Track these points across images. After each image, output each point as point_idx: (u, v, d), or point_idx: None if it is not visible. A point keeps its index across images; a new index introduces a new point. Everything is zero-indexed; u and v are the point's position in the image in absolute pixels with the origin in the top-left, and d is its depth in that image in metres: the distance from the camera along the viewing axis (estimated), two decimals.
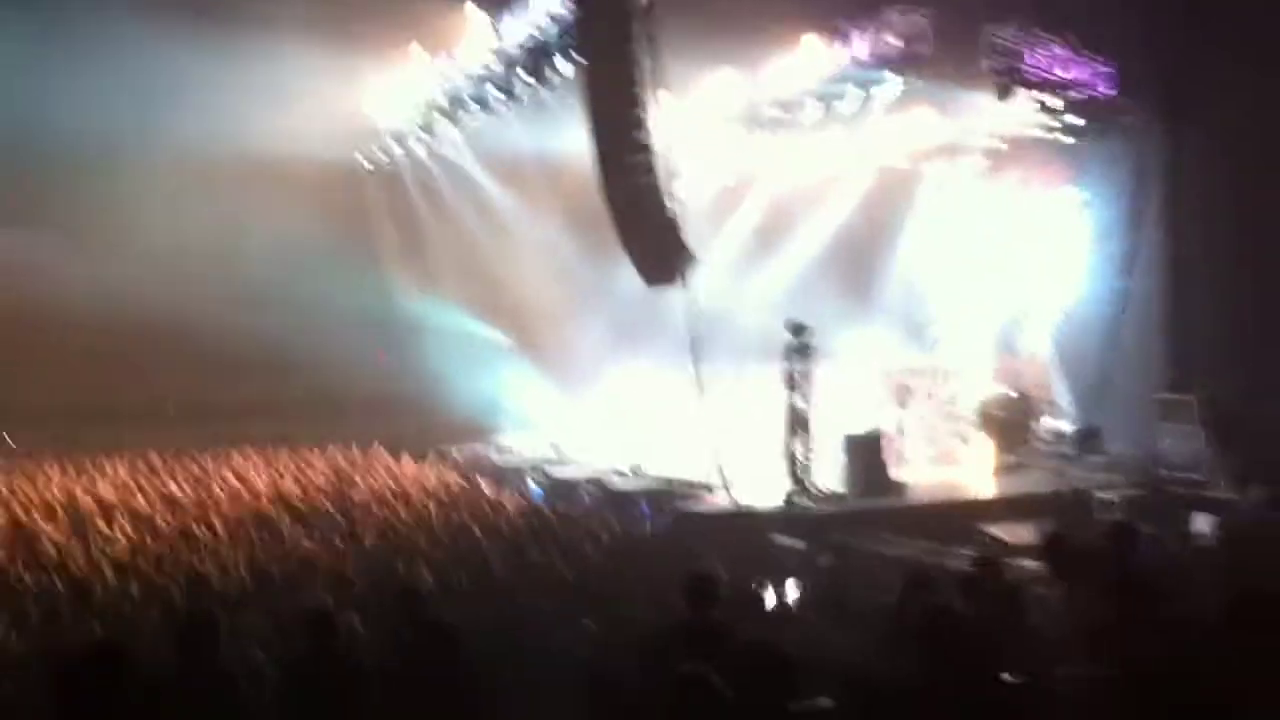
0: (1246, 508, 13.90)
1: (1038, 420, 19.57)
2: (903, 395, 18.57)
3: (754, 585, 10.56)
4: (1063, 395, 20.01)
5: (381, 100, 21.03)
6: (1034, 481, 16.41)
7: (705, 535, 13.37)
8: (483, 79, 18.87)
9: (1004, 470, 17.83)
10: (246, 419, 21.33)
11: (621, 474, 17.90)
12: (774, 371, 16.76)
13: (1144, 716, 5.57)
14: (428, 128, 21.34)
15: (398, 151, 22.82)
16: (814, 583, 11.57)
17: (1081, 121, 18.80)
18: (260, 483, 16.37)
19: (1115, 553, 9.87)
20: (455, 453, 20.76)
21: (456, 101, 19.95)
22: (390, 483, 16.30)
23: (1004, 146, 20.88)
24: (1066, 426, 19.15)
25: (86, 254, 19.91)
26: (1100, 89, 17.74)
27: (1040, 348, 20.95)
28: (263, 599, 9.75)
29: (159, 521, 13.71)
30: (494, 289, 23.14)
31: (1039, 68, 17.24)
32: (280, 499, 15.04)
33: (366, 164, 23.22)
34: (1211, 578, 10.03)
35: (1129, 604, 7.68)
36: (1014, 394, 19.62)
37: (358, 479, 16.62)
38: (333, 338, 20.85)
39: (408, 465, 18.49)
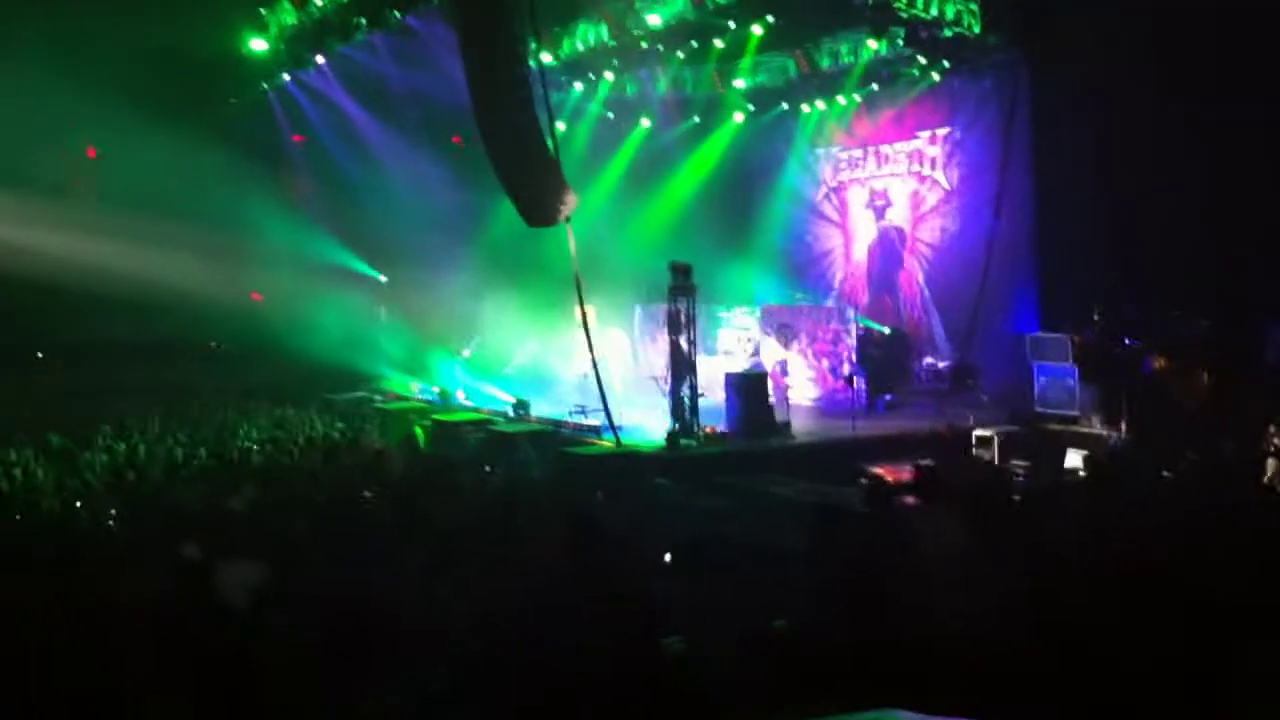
0: (1114, 443, 14.35)
1: (915, 358, 19.90)
2: (785, 334, 18.72)
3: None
4: (938, 333, 20.35)
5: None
6: (913, 419, 16.67)
7: (589, 477, 13.36)
8: (350, 7, 18.57)
9: (884, 408, 18.14)
10: (119, 361, 20.82)
11: (506, 417, 17.83)
12: (657, 312, 16.76)
13: (1008, 646, 5.72)
14: (297, 59, 20.89)
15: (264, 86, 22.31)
16: (694, 526, 11.65)
17: (950, 60, 19.16)
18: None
19: (987, 487, 10.14)
20: (340, 402, 20.42)
21: (325, 30, 19.59)
22: (276, 431, 15.96)
23: (875, 87, 21.07)
24: (943, 364, 19.50)
25: None
26: (969, 26, 17.96)
27: (915, 287, 21.25)
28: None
29: None
30: (364, 225, 22.76)
31: (911, 5, 17.40)
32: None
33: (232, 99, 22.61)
34: (1078, 509, 10.29)
35: (997, 536, 7.96)
36: (889, 332, 19.91)
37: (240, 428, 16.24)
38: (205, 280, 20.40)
39: (291, 414, 18.14)
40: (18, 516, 11.17)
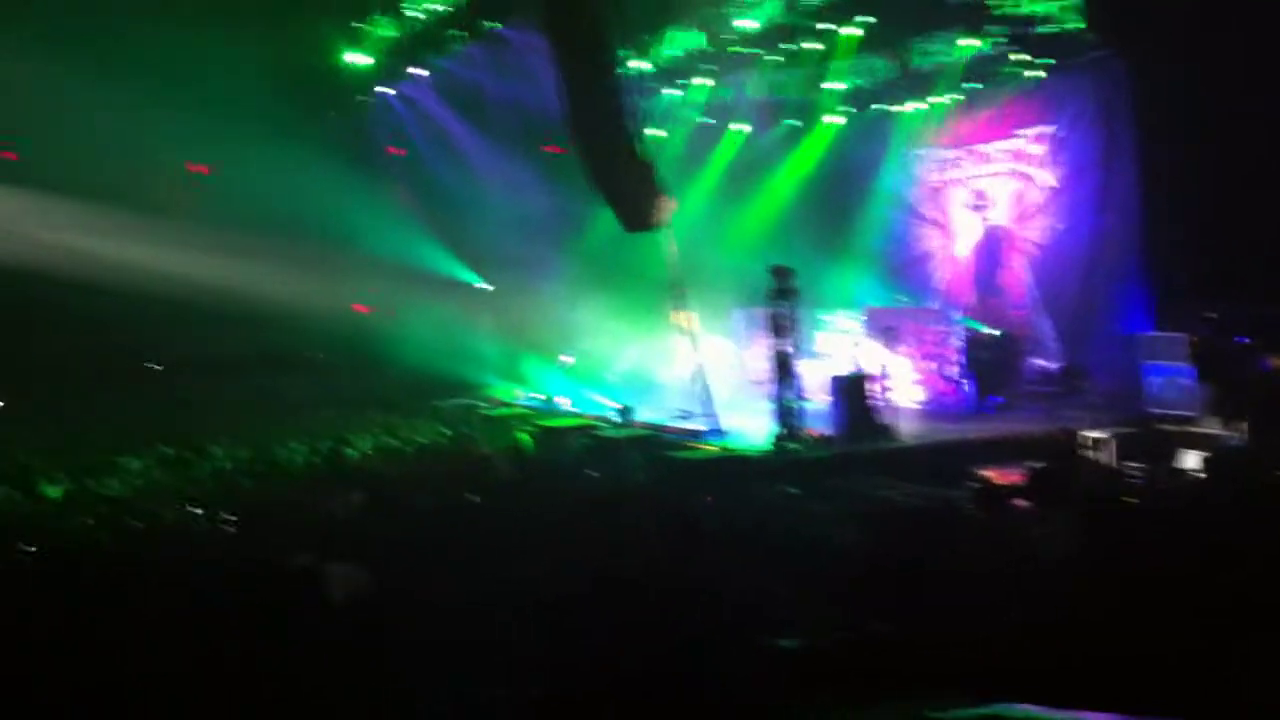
0: (1233, 443, 13.96)
1: (1023, 359, 19.57)
2: (888, 337, 18.54)
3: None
4: (1047, 334, 20.00)
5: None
6: (1023, 421, 16.39)
7: (695, 482, 13.33)
8: (445, 20, 18.84)
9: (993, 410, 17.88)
10: (227, 373, 21.30)
11: (610, 422, 17.88)
12: (758, 316, 16.69)
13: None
14: (394, 71, 21.23)
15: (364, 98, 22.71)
16: (806, 527, 11.56)
17: (1050, 58, 18.86)
18: None
19: (1103, 489, 9.92)
20: (446, 409, 20.62)
21: (421, 42, 19.90)
22: (386, 438, 16.22)
23: (973, 86, 20.81)
24: (1052, 365, 19.15)
25: None
26: (1067, 23, 17.67)
27: (1022, 287, 20.91)
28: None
29: None
30: (464, 234, 23.04)
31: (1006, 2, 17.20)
32: None
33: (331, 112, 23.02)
34: (1197, 512, 10.03)
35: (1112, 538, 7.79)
36: (998, 333, 19.60)
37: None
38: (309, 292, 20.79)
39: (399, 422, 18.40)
40: (140, 524, 11.42)
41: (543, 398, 20.74)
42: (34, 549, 9.78)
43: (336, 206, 21.75)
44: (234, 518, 11.07)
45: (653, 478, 14.10)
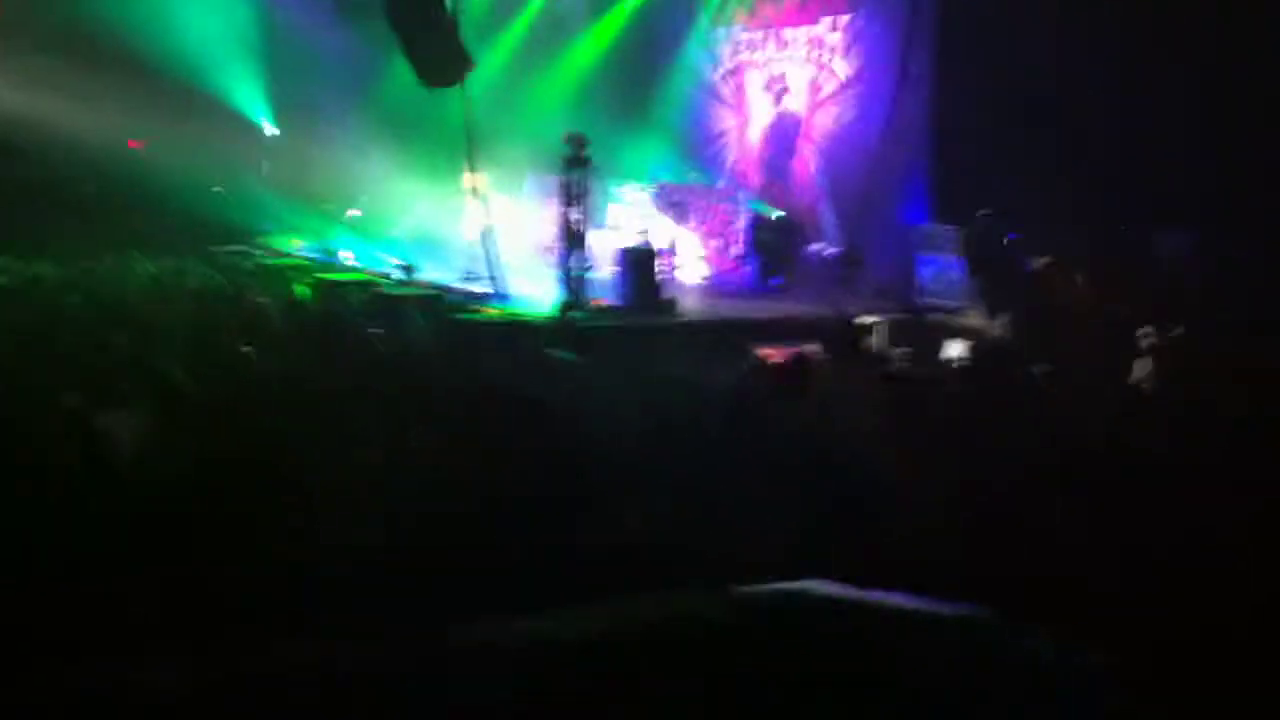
0: (993, 335, 14.68)
1: (804, 244, 20.01)
2: (677, 212, 18.69)
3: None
4: (829, 221, 20.45)
5: None
6: (801, 304, 16.83)
7: (478, 345, 13.29)
8: None
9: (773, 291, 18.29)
10: None
11: (393, 280, 17.58)
12: (551, 183, 16.58)
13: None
14: None
15: None
16: (585, 393, 11.66)
17: None
18: None
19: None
20: (220, 255, 19.83)
21: None
22: (153, 283, 15.52)
23: None
24: (831, 251, 19.65)
25: None
26: None
27: (808, 173, 21.28)
28: None
29: None
30: (256, 73, 22.05)
31: None
32: None
33: None
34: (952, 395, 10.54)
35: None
36: (781, 216, 19.96)
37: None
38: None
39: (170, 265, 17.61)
40: None
41: (324, 251, 20.18)
42: None
43: (126, 30, 20.41)
44: None
45: (435, 337, 13.99)
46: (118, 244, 19.04)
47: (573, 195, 15.84)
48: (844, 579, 3.20)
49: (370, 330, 13.08)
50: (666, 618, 3.53)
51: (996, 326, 14.93)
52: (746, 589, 3.30)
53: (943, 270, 15.97)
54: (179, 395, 8.76)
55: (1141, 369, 12.71)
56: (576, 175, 15.79)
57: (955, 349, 13.83)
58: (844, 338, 14.65)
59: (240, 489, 6.23)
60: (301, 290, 15.86)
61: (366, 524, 6.27)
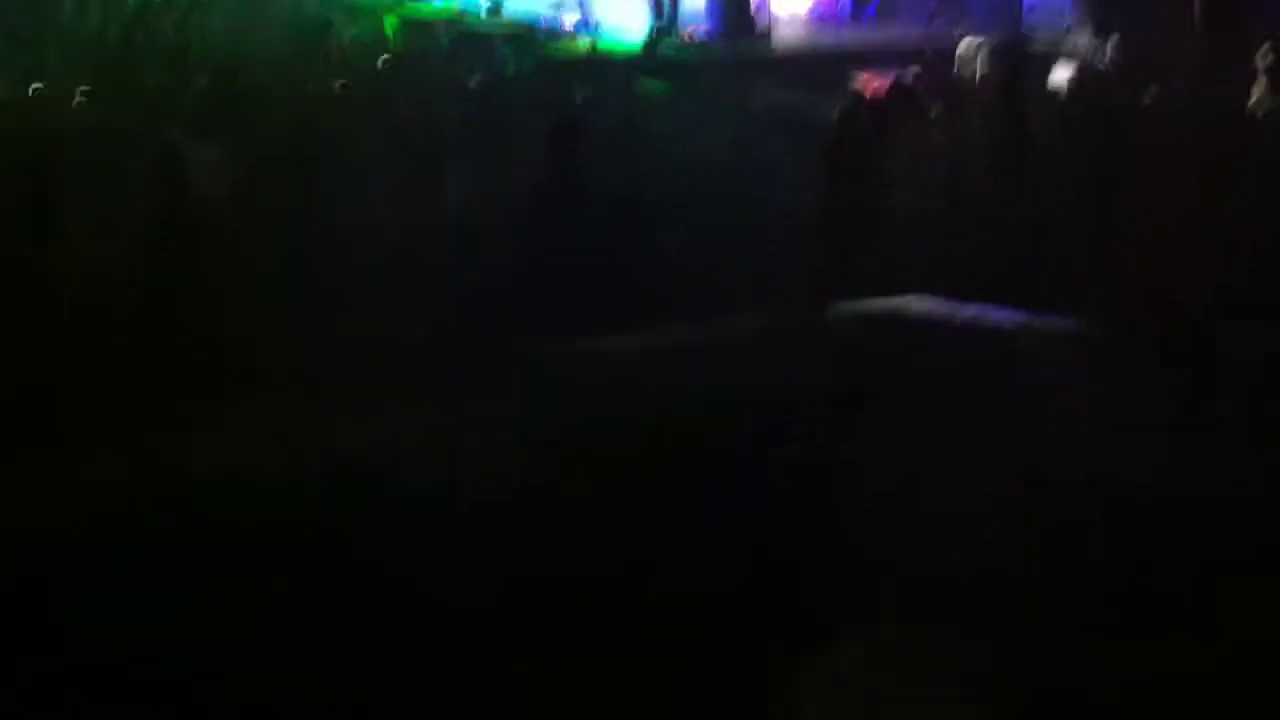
0: (1102, 60, 14.09)
1: None
2: None
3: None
4: None
5: None
6: (898, 30, 16.24)
7: (568, 79, 13.11)
8: None
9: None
10: None
11: (479, 15, 17.24)
12: None
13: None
14: None
15: None
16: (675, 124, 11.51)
17: None
18: None
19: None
20: None
21: None
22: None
23: None
24: None
25: None
26: None
27: None
28: None
29: None
30: None
31: None
32: None
33: None
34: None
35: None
36: None
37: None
38: None
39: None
40: None
41: None
42: None
43: None
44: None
45: (524, 73, 13.83)
46: None
47: None
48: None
49: (456, 66, 12.98)
50: (766, 327, 3.54)
51: (1106, 49, 14.31)
52: (845, 304, 3.29)
53: None
54: (267, 135, 8.79)
55: (1258, 90, 12.16)
56: None
57: (1061, 74, 13.32)
58: (941, 63, 14.21)
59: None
60: (390, 23, 15.67)
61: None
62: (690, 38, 15.40)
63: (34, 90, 10.47)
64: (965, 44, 14.63)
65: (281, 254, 6.80)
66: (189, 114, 9.93)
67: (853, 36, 16.03)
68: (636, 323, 5.35)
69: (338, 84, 11.16)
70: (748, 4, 15.77)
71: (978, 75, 14.14)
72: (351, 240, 7.06)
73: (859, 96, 12.44)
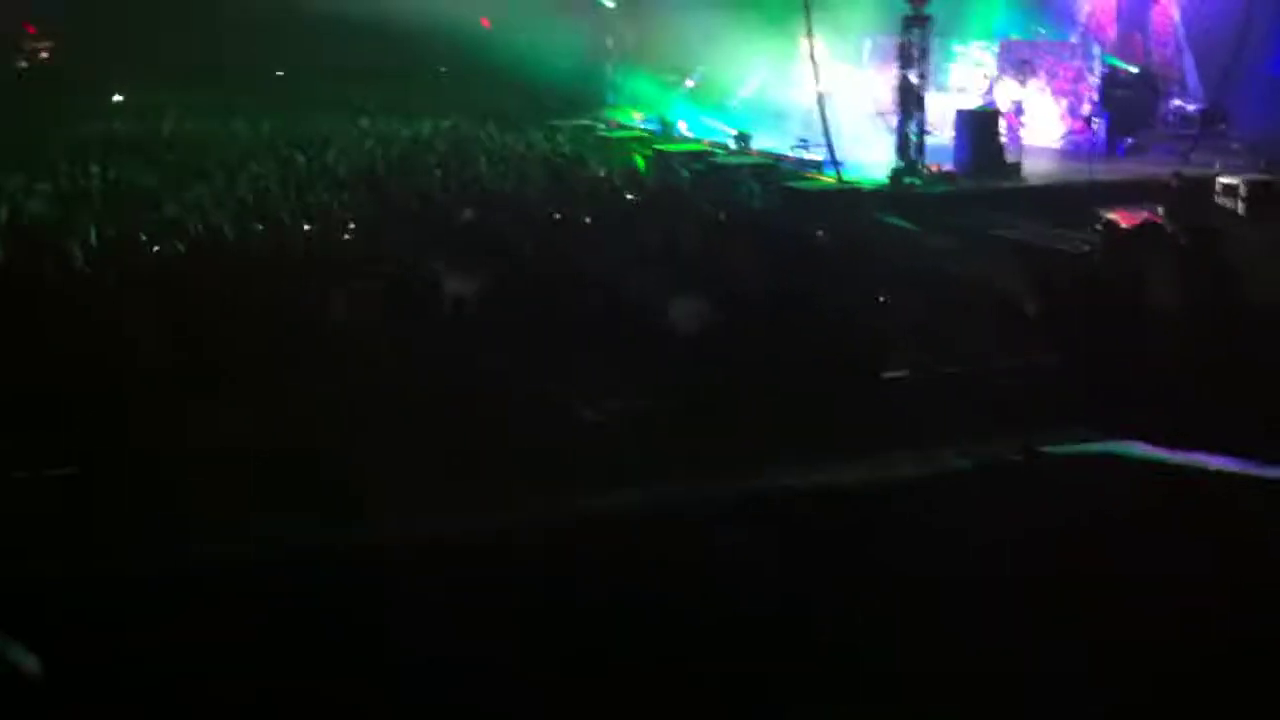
0: None
1: (1161, 100, 18.73)
2: (1023, 71, 17.86)
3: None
4: (1190, 73, 19.03)
5: None
6: (1153, 165, 15.84)
7: (812, 212, 13.28)
8: None
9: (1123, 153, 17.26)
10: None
11: (728, 149, 17.69)
12: (887, 44, 16.16)
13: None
14: None
15: None
16: (922, 262, 11.48)
17: None
18: None
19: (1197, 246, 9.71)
20: (566, 128, 20.44)
21: None
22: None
23: None
24: (1191, 107, 18.33)
25: None
26: None
27: (1169, 24, 19.78)
28: None
29: None
30: None
31: None
32: None
33: None
34: None
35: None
36: (1136, 70, 18.71)
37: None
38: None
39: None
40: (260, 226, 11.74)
41: (662, 122, 20.45)
42: None
43: None
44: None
45: (767, 206, 14.09)
46: (472, 114, 20.12)
47: (911, 56, 15.38)
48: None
49: (702, 198, 13.35)
50: (967, 467, 3.53)
51: None
52: (1053, 448, 3.26)
53: None
54: (523, 262, 9.24)
55: None
56: (915, 35, 15.30)
57: None
58: (1195, 199, 13.78)
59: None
60: (640, 160, 16.23)
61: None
62: (938, 170, 15.33)
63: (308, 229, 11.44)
64: (1222, 182, 14.23)
65: None
66: (455, 244, 10.53)
67: (1105, 169, 15.68)
68: (864, 447, 5.42)
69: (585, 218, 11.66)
70: (996, 136, 15.63)
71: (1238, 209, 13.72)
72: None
73: (1109, 229, 12.22)
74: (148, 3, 21.62)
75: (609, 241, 10.96)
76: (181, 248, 10.66)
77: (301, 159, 15.58)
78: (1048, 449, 3.70)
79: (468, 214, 12.32)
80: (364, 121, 19.04)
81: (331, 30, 21.49)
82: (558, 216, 12.03)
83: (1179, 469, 3.55)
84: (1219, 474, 3.29)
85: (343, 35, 21.62)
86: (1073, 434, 4.28)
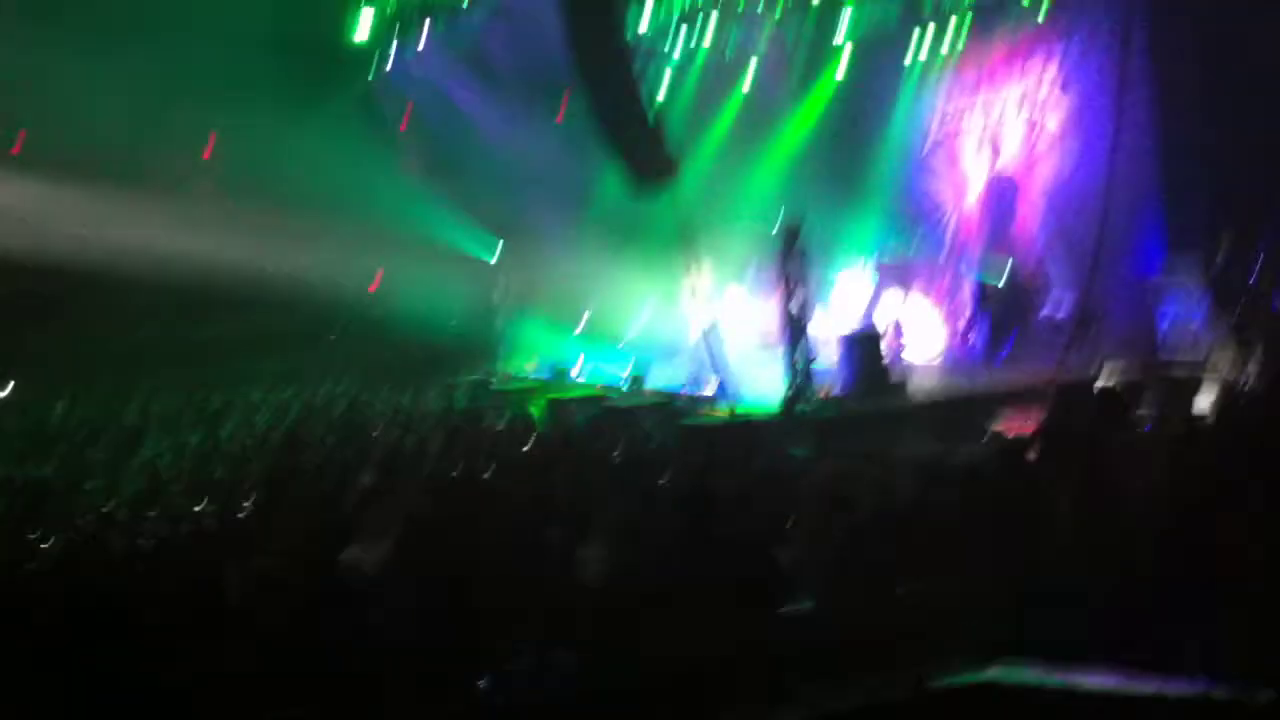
0: (1244, 386, 13.87)
1: (1033, 309, 19.45)
2: (901, 291, 18.52)
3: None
4: (1057, 280, 19.81)
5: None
6: (1031, 372, 16.36)
7: (709, 448, 13.40)
8: None
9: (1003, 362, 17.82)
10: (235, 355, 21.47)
11: (621, 391, 17.96)
12: (768, 276, 16.68)
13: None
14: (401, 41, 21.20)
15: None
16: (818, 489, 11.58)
17: None
18: None
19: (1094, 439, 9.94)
20: (459, 384, 20.64)
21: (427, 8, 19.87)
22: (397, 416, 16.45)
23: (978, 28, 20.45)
24: (1061, 314, 19.03)
25: None
26: None
27: (1031, 237, 20.68)
28: None
29: None
30: (474, 204, 22.94)
31: None
32: None
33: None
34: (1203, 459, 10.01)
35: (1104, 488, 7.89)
36: (1004, 284, 19.44)
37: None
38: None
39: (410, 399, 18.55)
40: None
41: (556, 370, 20.75)
42: None
43: (345, 180, 21.70)
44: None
45: (662, 444, 14.20)
46: (361, 377, 20.18)
47: (790, 286, 15.90)
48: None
49: (597, 444, 13.41)
50: (861, 708, 3.48)
51: (1248, 372, 14.12)
52: (940, 679, 3.24)
53: (1182, 322, 15.24)
54: (422, 524, 9.13)
55: None
56: (791, 266, 15.87)
57: (1200, 403, 13.14)
58: (1076, 403, 14.15)
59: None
60: (535, 410, 16.39)
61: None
62: (827, 394, 15.66)
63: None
64: (1107, 373, 14.67)
65: None
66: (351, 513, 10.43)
67: (989, 379, 16.16)
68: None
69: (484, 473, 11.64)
70: (879, 357, 16.07)
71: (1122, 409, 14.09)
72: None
73: (998, 438, 12.46)
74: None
75: (508, 495, 10.93)
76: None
77: (194, 438, 15.51)
78: (931, 681, 3.67)
79: (366, 479, 12.22)
80: (255, 395, 19.01)
81: (222, 301, 21.54)
82: (454, 475, 12.00)
83: (1064, 693, 3.53)
84: (1105, 697, 3.29)
85: (234, 306, 21.69)
86: (972, 659, 4.25)
